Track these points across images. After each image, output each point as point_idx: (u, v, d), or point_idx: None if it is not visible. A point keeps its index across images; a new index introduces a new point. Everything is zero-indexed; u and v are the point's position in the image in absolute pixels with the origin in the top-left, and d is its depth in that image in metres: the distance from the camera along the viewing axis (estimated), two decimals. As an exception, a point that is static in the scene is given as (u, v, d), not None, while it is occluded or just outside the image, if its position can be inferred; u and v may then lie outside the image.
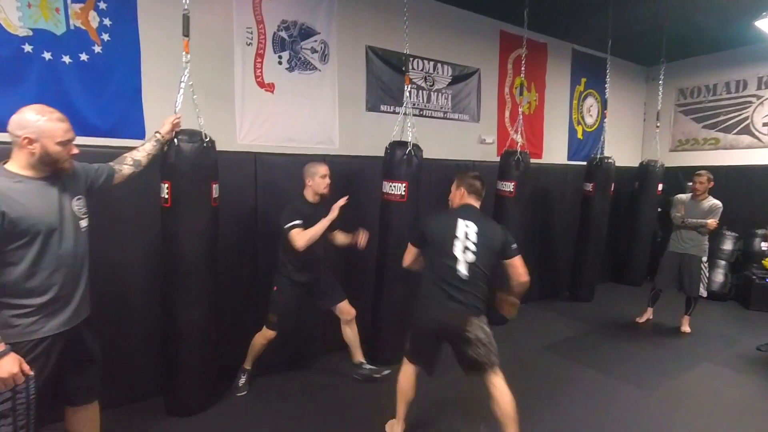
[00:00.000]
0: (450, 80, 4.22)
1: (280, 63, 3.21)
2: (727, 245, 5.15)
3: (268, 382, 2.95)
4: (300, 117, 3.32)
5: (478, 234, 2.08)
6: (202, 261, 2.46)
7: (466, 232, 2.07)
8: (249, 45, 3.07)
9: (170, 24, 2.72)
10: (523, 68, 4.09)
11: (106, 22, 2.53)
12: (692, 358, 3.49)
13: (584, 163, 4.97)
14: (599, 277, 5.20)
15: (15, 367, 1.42)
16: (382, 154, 3.19)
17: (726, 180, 5.09)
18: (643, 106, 6.34)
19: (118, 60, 2.59)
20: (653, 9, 4.16)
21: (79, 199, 1.67)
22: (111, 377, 2.26)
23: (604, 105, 5.06)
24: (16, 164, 1.52)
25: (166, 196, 2.32)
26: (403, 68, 3.39)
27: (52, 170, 1.56)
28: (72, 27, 2.43)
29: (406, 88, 3.23)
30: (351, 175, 3.41)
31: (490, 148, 4.63)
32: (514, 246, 2.15)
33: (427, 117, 4.08)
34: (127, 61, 2.62)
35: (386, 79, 3.78)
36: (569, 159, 5.45)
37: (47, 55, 2.37)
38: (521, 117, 4.13)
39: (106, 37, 2.53)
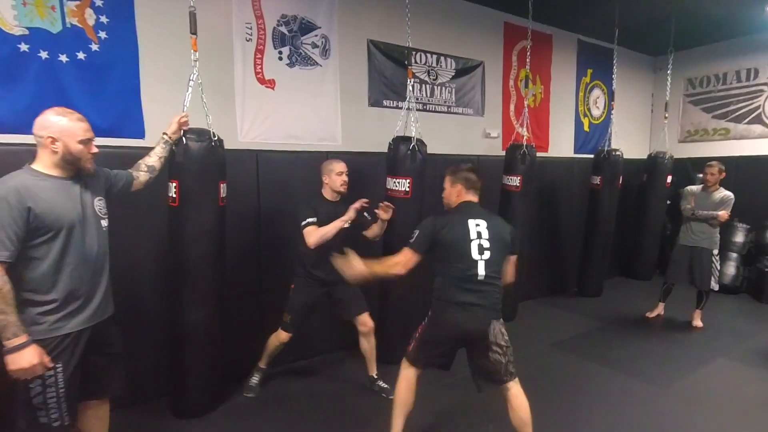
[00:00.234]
0: (453, 74, 4.14)
1: (280, 59, 3.15)
2: (739, 237, 5.05)
3: (275, 383, 2.91)
4: (301, 113, 3.27)
5: (490, 231, 2.01)
6: (209, 261, 2.44)
7: (479, 231, 1.99)
8: (248, 41, 3.02)
9: (169, 21, 2.69)
10: (528, 60, 4.02)
11: (103, 19, 2.48)
12: (706, 353, 3.42)
13: (591, 156, 4.89)
14: (608, 272, 5.13)
15: (35, 358, 1.48)
16: (386, 150, 3.14)
17: (737, 170, 4.97)
18: (651, 97, 6.23)
19: (116, 58, 2.54)
20: (661, -4, 4.07)
21: (100, 199, 1.75)
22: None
23: (611, 96, 4.96)
24: (41, 164, 1.61)
25: (174, 195, 2.30)
26: (406, 62, 3.33)
27: (74, 170, 1.64)
28: (68, 25, 2.39)
29: (409, 82, 3.17)
30: (354, 171, 3.31)
31: (495, 142, 4.56)
32: (517, 241, 2.15)
33: (431, 111, 4.02)
34: (126, 59, 2.58)
35: (389, 74, 3.71)
36: (576, 152, 5.36)
37: (44, 54, 2.34)
38: (526, 110, 4.06)
39: (103, 35, 2.49)
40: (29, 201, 1.50)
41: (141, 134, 2.66)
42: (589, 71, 5.35)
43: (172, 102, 2.48)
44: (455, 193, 2.15)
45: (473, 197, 2.15)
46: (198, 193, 2.34)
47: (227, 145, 2.48)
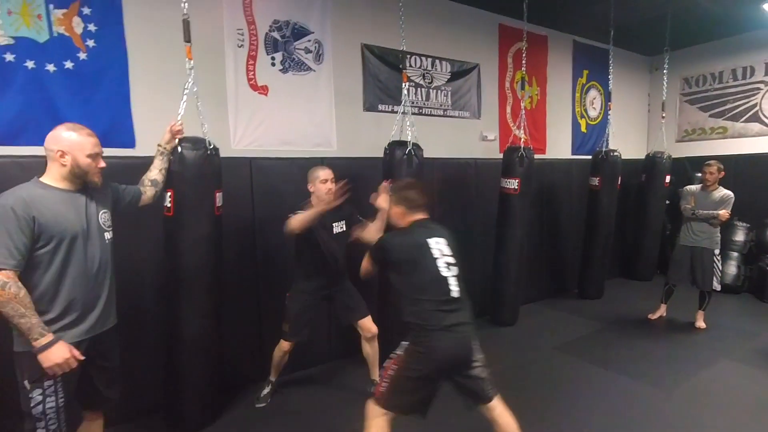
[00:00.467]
0: (449, 77, 4.11)
1: (273, 64, 3.11)
2: (739, 236, 5.02)
3: (276, 394, 2.85)
4: (295, 119, 3.23)
5: (449, 246, 1.94)
6: (206, 271, 2.40)
7: (440, 249, 1.90)
8: (240, 47, 2.98)
9: (159, 28, 2.65)
10: (523, 62, 3.99)
11: (91, 27, 2.44)
12: (710, 355, 3.37)
13: (589, 157, 4.87)
14: (608, 273, 5.09)
15: (66, 352, 1.54)
16: (382, 155, 3.09)
17: (735, 169, 4.95)
18: (647, 96, 6.22)
19: (104, 66, 2.50)
20: (656, -5, 4.05)
21: (105, 212, 1.78)
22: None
23: (607, 97, 4.94)
24: (50, 177, 1.66)
25: (169, 205, 2.26)
26: (401, 66, 3.29)
27: (82, 183, 1.69)
28: (55, 34, 2.35)
29: (404, 86, 3.14)
30: (350, 177, 3.28)
31: (493, 144, 4.52)
32: None
33: (427, 115, 3.98)
34: (115, 68, 2.54)
35: (383, 78, 3.68)
36: (573, 153, 5.34)
37: (30, 64, 2.29)
38: (523, 112, 4.02)
39: (91, 43, 2.45)
40: (34, 211, 1.54)
41: (131, 143, 2.61)
42: (585, 72, 5.33)
43: (163, 110, 2.44)
44: (399, 214, 1.99)
45: (422, 215, 1.98)
46: (194, 202, 2.30)
47: (220, 153, 2.44)
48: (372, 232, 2.32)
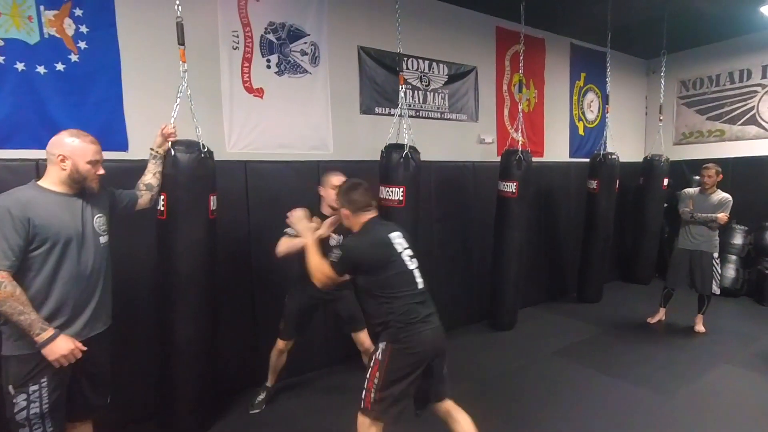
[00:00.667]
0: (446, 79, 4.09)
1: (268, 67, 3.08)
2: (738, 239, 5.00)
3: (272, 400, 2.81)
4: (291, 122, 3.19)
5: (406, 240, 1.95)
6: (200, 275, 2.36)
7: (401, 243, 1.91)
8: (235, 49, 2.95)
9: (152, 30, 2.62)
10: (521, 65, 3.97)
11: (83, 29, 2.40)
12: (710, 359, 3.34)
13: (587, 159, 4.85)
14: (607, 276, 5.06)
15: (70, 344, 1.58)
16: (378, 158, 3.06)
17: (733, 172, 4.94)
18: (645, 99, 6.22)
19: (97, 68, 2.47)
20: (653, -2, 4.04)
21: (100, 216, 1.79)
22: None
23: (605, 100, 4.93)
24: (48, 180, 1.68)
25: (162, 208, 2.24)
26: (397, 68, 3.27)
27: (80, 188, 1.71)
28: (46, 35, 2.31)
29: (400, 88, 3.12)
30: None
31: (490, 147, 4.50)
32: None
33: (424, 118, 3.95)
34: (107, 70, 2.50)
35: (380, 80, 3.65)
36: (571, 156, 5.32)
37: (20, 66, 2.25)
38: (521, 115, 4.00)
39: (83, 45, 2.41)
40: (30, 212, 1.55)
41: (124, 146, 2.57)
42: (583, 75, 5.32)
43: (156, 112, 2.41)
44: (347, 216, 1.97)
45: (371, 213, 1.96)
46: (187, 206, 2.27)
47: (215, 156, 2.40)
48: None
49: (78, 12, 2.38)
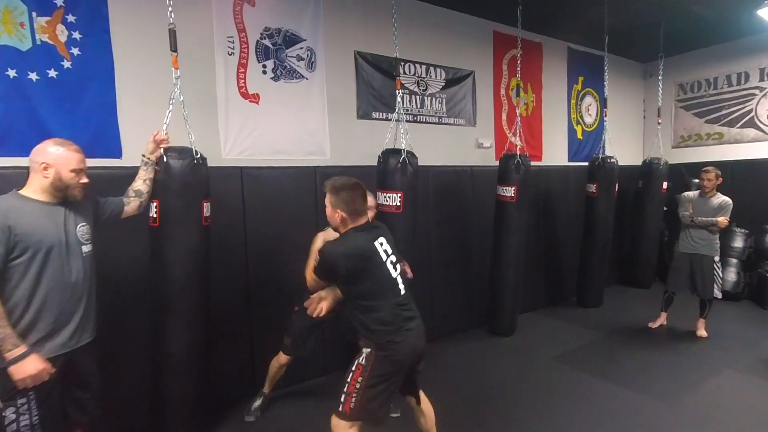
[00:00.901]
0: (444, 84, 4.08)
1: (264, 72, 3.06)
2: (738, 243, 4.97)
3: (270, 409, 2.77)
4: (288, 128, 3.17)
5: (390, 245, 1.93)
6: (194, 283, 2.32)
7: (385, 250, 1.88)
8: (231, 54, 2.93)
9: (146, 36, 2.60)
10: (518, 69, 3.96)
11: (76, 35, 2.38)
12: (713, 364, 3.30)
13: (585, 163, 4.82)
14: (607, 281, 5.02)
15: (40, 363, 1.54)
16: (376, 163, 3.04)
17: (732, 175, 4.92)
18: (643, 103, 6.21)
19: (90, 75, 2.44)
20: (650, 1, 4.03)
21: (83, 225, 1.77)
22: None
23: (603, 103, 4.92)
24: (30, 189, 1.67)
25: (155, 215, 2.20)
26: (394, 73, 3.25)
27: (62, 196, 1.69)
28: (38, 42, 2.29)
29: (397, 93, 3.09)
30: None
31: (488, 152, 4.47)
32: None
33: (422, 123, 3.93)
34: (100, 76, 2.48)
35: (377, 85, 3.63)
36: (570, 160, 5.30)
37: (12, 73, 2.23)
38: (519, 119, 3.98)
39: (76, 51, 2.39)
40: (11, 220, 1.54)
41: (118, 153, 2.54)
42: (581, 79, 5.31)
43: (150, 119, 2.38)
44: (339, 219, 1.86)
45: (363, 220, 1.90)
46: (180, 213, 2.23)
47: (210, 163, 2.37)
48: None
49: (71, 18, 2.36)
